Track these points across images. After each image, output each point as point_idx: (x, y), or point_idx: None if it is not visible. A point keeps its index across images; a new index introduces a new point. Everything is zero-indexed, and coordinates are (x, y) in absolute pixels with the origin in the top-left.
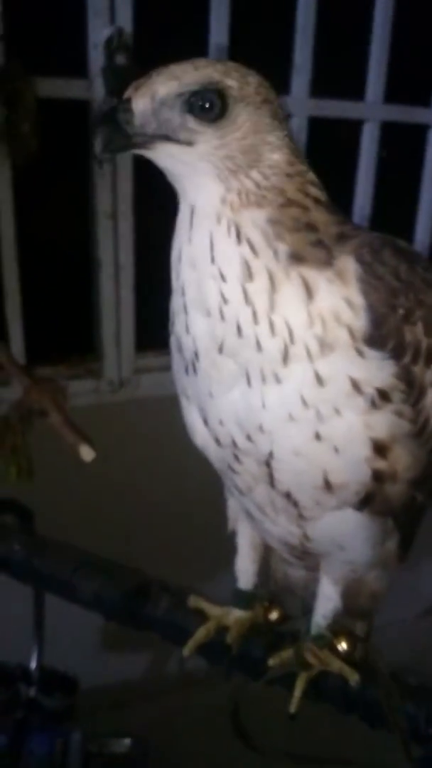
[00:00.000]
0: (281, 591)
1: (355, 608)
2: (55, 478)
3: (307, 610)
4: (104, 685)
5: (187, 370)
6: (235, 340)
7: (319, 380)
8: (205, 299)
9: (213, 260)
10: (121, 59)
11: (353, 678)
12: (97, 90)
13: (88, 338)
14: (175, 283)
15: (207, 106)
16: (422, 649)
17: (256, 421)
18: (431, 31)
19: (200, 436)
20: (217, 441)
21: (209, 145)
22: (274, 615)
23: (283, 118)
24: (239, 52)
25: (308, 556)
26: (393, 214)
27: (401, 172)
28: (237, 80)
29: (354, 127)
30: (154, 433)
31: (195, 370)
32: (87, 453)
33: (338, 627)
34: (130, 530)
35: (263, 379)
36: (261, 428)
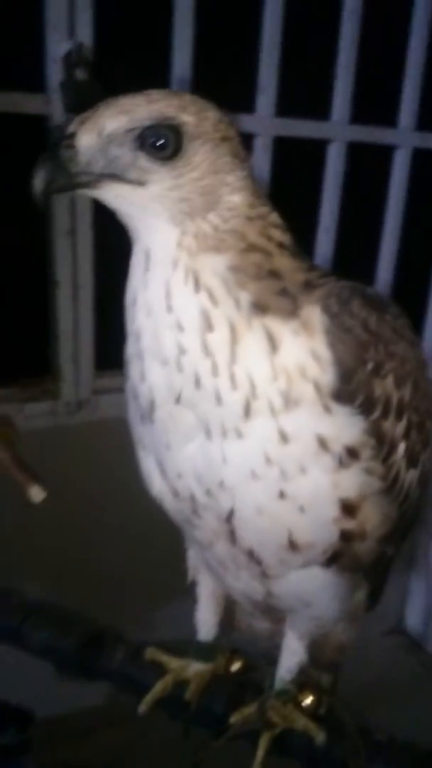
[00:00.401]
0: (244, 641)
1: (322, 661)
2: (2, 511)
3: (271, 660)
4: (61, 714)
5: (143, 419)
6: (194, 391)
7: (284, 437)
8: (161, 348)
9: (170, 309)
10: (80, 74)
11: (318, 737)
12: (55, 105)
13: (44, 359)
14: (129, 328)
15: (160, 143)
16: (384, 668)
17: (217, 477)
18: (397, 50)
19: (157, 487)
20: (175, 494)
21: (162, 186)
22: (236, 666)
23: (243, 156)
24: (203, 69)
25: (273, 611)
26: (359, 234)
27: (367, 192)
28: (194, 115)
29: (320, 147)
30: (114, 456)
31: (151, 420)
32: (37, 493)
33: (304, 679)
34: (87, 563)
35: (224, 433)
36: (222, 484)
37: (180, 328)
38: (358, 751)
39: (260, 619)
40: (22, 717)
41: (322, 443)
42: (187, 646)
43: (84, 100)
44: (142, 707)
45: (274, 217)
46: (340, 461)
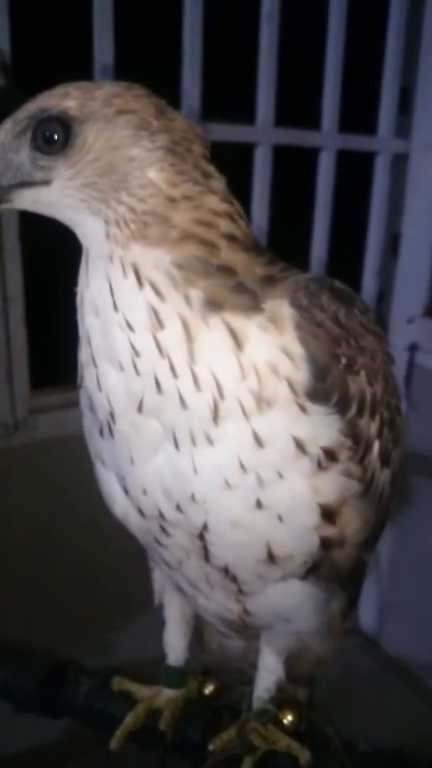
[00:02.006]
0: (216, 662)
1: (299, 675)
2: None
3: (245, 680)
4: (20, 751)
5: (102, 433)
6: (156, 396)
7: (258, 441)
8: (114, 351)
9: (116, 307)
10: None
11: (304, 756)
12: None
13: None
14: (81, 330)
15: (50, 136)
16: (342, 668)
17: (187, 490)
18: (320, 53)
19: (120, 506)
20: (141, 512)
21: (63, 178)
22: (209, 688)
23: (158, 128)
24: (125, 72)
25: (247, 629)
26: (290, 236)
27: (295, 194)
28: (77, 99)
29: (246, 151)
30: (56, 478)
31: (111, 433)
32: None
33: (282, 696)
34: (35, 596)
35: (193, 441)
36: (193, 497)
37: (130, 327)
38: (344, 767)
39: (233, 638)
40: None
41: (299, 446)
42: (152, 669)
43: (4, 105)
44: (114, 743)
45: (213, 202)
46: (318, 464)
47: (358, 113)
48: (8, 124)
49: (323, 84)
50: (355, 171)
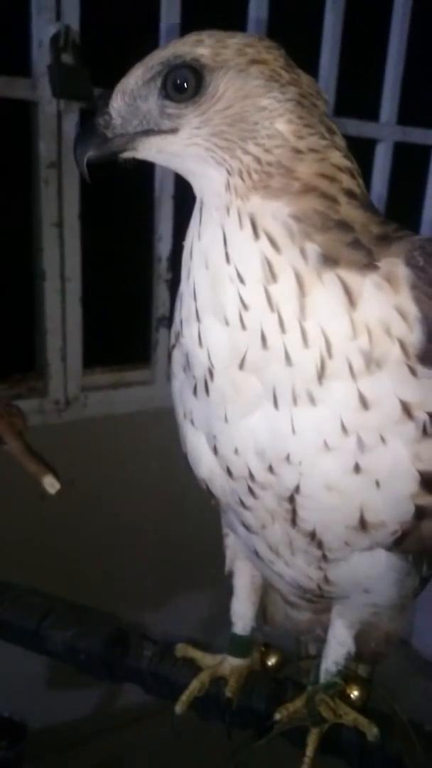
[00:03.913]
0: (278, 634)
1: (366, 652)
2: (8, 511)
3: (304, 655)
4: (51, 726)
5: (195, 391)
6: (260, 352)
7: (364, 402)
8: (221, 304)
9: (228, 259)
10: (67, 58)
11: (372, 731)
12: (42, 90)
13: (30, 355)
14: (184, 285)
15: (180, 84)
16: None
17: (283, 450)
18: (383, 44)
19: (206, 466)
20: (229, 472)
21: (191, 127)
22: (272, 660)
23: (288, 80)
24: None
25: (322, 600)
26: None
27: None
28: (210, 46)
29: None
30: (103, 453)
31: (207, 391)
32: (51, 484)
33: (347, 672)
34: (83, 560)
35: (294, 400)
36: (288, 458)
37: (241, 279)
38: (412, 745)
39: (302, 609)
40: (15, 729)
41: (406, 410)
42: (198, 639)
43: (72, 85)
44: (179, 707)
45: (337, 158)
46: (423, 430)
47: (417, 106)
48: (138, 70)
49: (384, 75)
50: (411, 164)
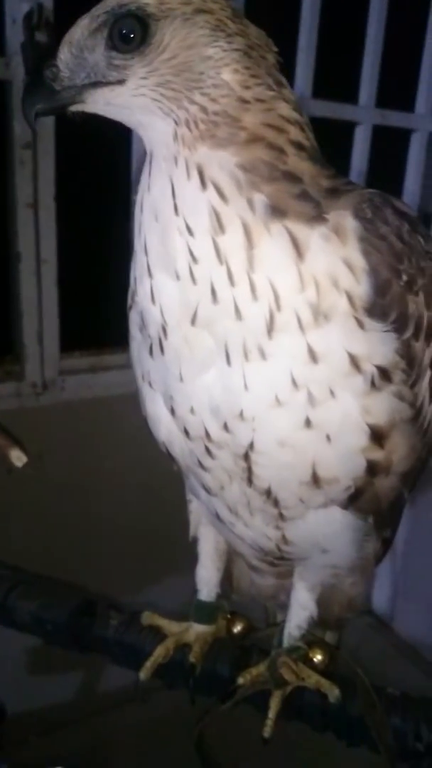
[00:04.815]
0: (245, 601)
1: (330, 618)
2: None
3: (271, 621)
4: (33, 709)
5: (151, 351)
6: (211, 306)
7: (313, 356)
8: (171, 258)
9: (177, 210)
10: (41, 36)
11: (333, 693)
12: (15, 69)
13: (6, 338)
14: (136, 241)
15: (127, 34)
16: (354, 648)
17: (236, 407)
18: (361, 27)
19: (165, 428)
20: (186, 433)
21: (138, 77)
22: (237, 627)
23: (235, 30)
24: None
25: (283, 562)
26: None
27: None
28: None
29: None
30: (81, 438)
31: (162, 350)
32: (18, 457)
33: (311, 637)
34: (61, 543)
35: (245, 355)
36: (241, 415)
37: (189, 231)
38: (374, 707)
39: (265, 574)
40: None
41: (354, 362)
42: (180, 614)
43: (45, 62)
44: (143, 674)
45: (285, 109)
46: (371, 383)
47: (396, 89)
48: (84, 20)
49: (362, 58)
50: (389, 147)
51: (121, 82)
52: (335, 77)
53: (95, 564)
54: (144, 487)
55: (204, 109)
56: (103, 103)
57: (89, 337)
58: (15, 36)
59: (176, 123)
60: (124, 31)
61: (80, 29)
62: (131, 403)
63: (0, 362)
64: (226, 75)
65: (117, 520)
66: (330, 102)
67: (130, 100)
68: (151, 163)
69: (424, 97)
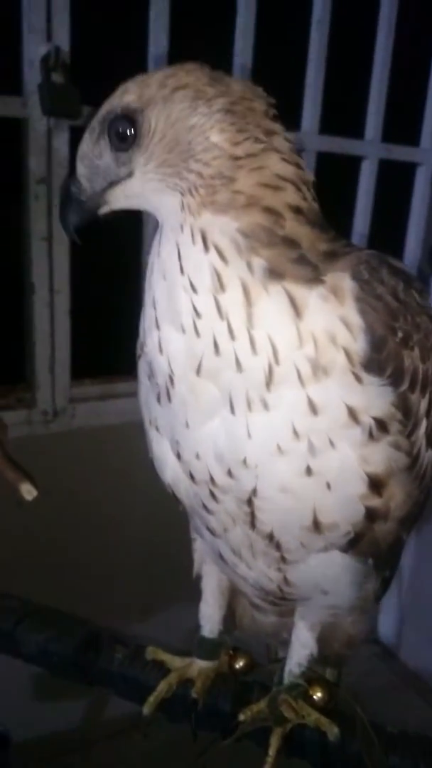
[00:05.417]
0: (247, 638)
1: (330, 655)
2: None
3: (273, 658)
4: (36, 737)
5: (159, 398)
6: (214, 358)
7: (313, 408)
8: (177, 312)
9: (182, 270)
10: (57, 77)
11: (332, 731)
12: (32, 108)
13: (19, 366)
14: (146, 297)
15: (122, 133)
16: (359, 676)
17: (240, 454)
18: (367, 63)
19: (171, 471)
20: (191, 477)
21: (141, 166)
22: (240, 663)
23: (214, 94)
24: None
25: (284, 602)
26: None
27: (334, 202)
28: (134, 92)
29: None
30: (90, 466)
31: (169, 398)
32: (28, 491)
33: (311, 674)
34: (69, 571)
35: (249, 406)
36: (245, 462)
37: (193, 288)
38: (372, 745)
39: (267, 613)
40: (0, 739)
41: (352, 414)
42: (183, 650)
43: (61, 103)
44: (146, 708)
45: (278, 164)
46: (369, 434)
47: (401, 124)
48: (86, 135)
49: (368, 94)
50: (395, 181)
51: (130, 175)
52: (341, 112)
53: (101, 593)
54: (152, 514)
55: (200, 175)
56: (122, 198)
57: (99, 365)
58: (32, 77)
59: (182, 194)
60: (120, 131)
61: (85, 143)
62: (140, 431)
63: (12, 390)
64: (214, 137)
65: (127, 546)
66: (336, 137)
67: (142, 187)
68: (162, 232)
69: (429, 132)
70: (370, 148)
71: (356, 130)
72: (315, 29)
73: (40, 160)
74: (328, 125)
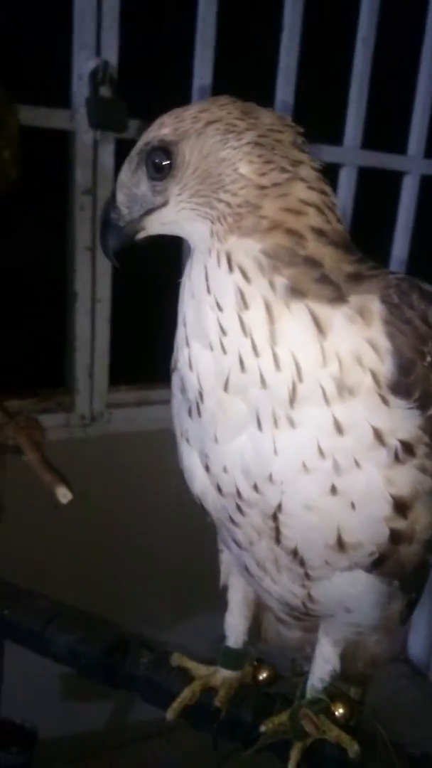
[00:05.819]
0: (271, 651)
1: (354, 673)
2: (25, 519)
3: (297, 671)
4: (63, 737)
5: (190, 412)
6: (240, 374)
7: (338, 427)
8: (205, 330)
9: (209, 290)
10: (105, 91)
11: (353, 748)
12: (80, 121)
13: (59, 371)
14: (179, 316)
15: (158, 164)
16: (387, 695)
17: (266, 470)
18: (408, 79)
19: (200, 483)
20: (219, 489)
21: (175, 195)
22: (263, 675)
23: (244, 128)
24: (224, 82)
25: (308, 617)
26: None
27: (375, 217)
28: (170, 125)
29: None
30: (123, 470)
31: (199, 412)
32: (64, 494)
33: (334, 690)
34: (103, 573)
35: (275, 422)
36: (270, 478)
37: (219, 307)
38: (393, 766)
39: (291, 627)
40: (26, 736)
41: (378, 436)
42: (208, 658)
43: (108, 116)
44: (170, 714)
45: (302, 191)
46: (395, 456)
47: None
48: (125, 165)
49: (412, 110)
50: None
51: (165, 203)
52: (383, 127)
53: (136, 596)
54: (183, 520)
55: (228, 204)
56: (158, 224)
57: (136, 373)
58: (80, 90)
59: (212, 222)
60: (156, 162)
61: (124, 173)
62: (173, 438)
63: (52, 394)
64: (243, 168)
65: (157, 552)
66: (378, 152)
67: (176, 215)
68: (192, 256)
69: None
70: (413, 164)
71: (399, 146)
72: (360, 46)
73: (86, 171)
74: (370, 140)
